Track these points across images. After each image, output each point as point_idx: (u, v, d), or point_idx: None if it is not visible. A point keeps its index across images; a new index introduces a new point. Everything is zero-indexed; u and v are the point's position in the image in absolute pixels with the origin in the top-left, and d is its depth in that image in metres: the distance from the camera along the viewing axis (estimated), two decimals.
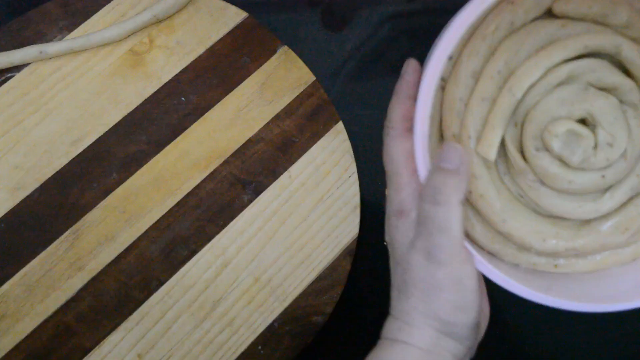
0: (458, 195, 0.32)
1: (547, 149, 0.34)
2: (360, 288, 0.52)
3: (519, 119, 0.34)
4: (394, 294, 0.35)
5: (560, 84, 0.34)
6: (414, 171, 0.33)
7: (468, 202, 0.36)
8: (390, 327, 0.34)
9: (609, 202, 0.35)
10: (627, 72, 0.34)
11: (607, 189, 0.35)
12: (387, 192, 0.35)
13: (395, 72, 0.56)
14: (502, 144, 0.35)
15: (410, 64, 0.34)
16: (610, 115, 0.33)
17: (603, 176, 0.34)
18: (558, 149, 0.33)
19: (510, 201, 0.35)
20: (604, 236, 0.35)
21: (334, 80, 0.56)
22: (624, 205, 0.36)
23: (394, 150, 0.34)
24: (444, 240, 0.32)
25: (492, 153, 0.33)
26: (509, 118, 0.34)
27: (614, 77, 0.33)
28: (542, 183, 0.34)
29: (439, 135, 0.35)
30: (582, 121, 0.34)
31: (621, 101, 0.34)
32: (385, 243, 0.37)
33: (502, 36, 0.34)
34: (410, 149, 0.33)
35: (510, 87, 0.33)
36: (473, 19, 0.31)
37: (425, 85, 0.32)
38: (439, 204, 0.32)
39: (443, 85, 0.35)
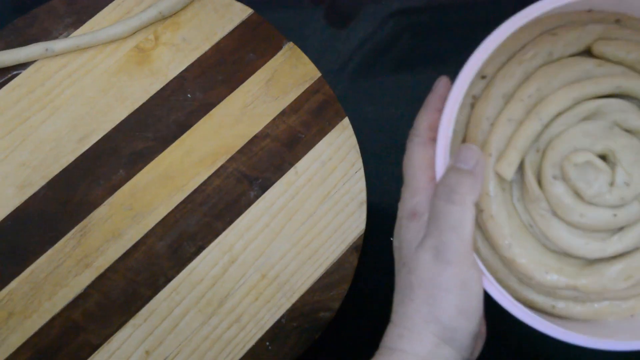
0: (472, 196, 0.33)
1: (564, 177, 0.34)
2: (367, 284, 0.52)
3: (541, 146, 0.35)
4: (397, 298, 0.35)
5: (587, 118, 0.34)
6: (432, 178, 0.34)
7: (477, 223, 0.36)
8: (390, 335, 0.35)
9: (617, 244, 0.35)
10: None
11: (617, 231, 0.35)
12: (401, 195, 0.36)
13: (399, 68, 0.57)
14: (521, 169, 0.35)
15: (442, 80, 0.36)
16: (631, 156, 0.34)
17: (615, 215, 0.34)
18: (575, 178, 0.34)
19: (519, 228, 0.35)
20: (606, 280, 0.35)
21: (339, 76, 0.56)
22: (631, 252, 0.36)
23: (415, 155, 0.35)
24: (454, 239, 0.32)
25: (509, 172, 0.34)
26: (532, 142, 0.34)
27: None
28: (554, 214, 0.35)
29: None
30: (603, 158, 0.34)
31: None
32: (391, 239, 0.37)
33: (539, 64, 0.35)
34: (431, 157, 0.34)
35: (538, 112, 0.34)
36: (506, 37, 0.32)
37: (456, 88, 0.33)
38: (454, 202, 0.32)
39: (473, 102, 0.36)
